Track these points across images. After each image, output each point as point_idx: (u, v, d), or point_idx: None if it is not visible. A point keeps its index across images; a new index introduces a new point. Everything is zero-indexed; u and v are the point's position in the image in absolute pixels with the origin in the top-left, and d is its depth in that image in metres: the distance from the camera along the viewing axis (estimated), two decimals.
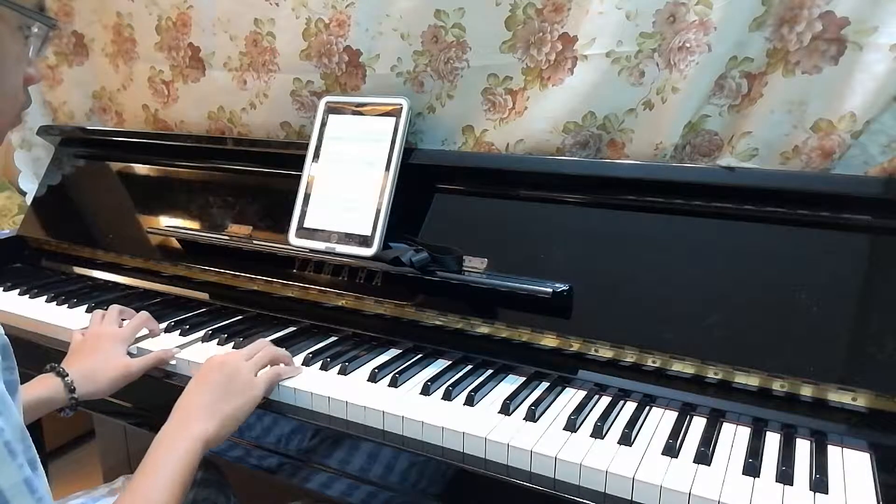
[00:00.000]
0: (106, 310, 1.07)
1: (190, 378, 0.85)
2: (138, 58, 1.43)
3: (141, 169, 1.41)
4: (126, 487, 0.69)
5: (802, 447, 0.77)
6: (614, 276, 0.93)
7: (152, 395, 0.98)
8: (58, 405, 0.89)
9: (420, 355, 0.99)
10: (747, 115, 0.94)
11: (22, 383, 0.59)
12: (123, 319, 1.06)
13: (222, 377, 0.83)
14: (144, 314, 1.06)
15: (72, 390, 0.89)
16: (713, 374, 0.85)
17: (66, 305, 1.21)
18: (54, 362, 0.92)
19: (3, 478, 0.49)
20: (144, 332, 1.06)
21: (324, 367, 0.95)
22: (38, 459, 0.54)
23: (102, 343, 0.97)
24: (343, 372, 0.93)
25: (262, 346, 0.93)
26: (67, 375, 0.89)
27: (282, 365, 0.92)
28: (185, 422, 0.77)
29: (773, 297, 0.84)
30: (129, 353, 0.99)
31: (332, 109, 1.14)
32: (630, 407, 0.85)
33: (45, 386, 0.88)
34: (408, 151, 1.08)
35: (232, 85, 1.31)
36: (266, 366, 0.90)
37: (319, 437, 0.85)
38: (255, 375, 0.87)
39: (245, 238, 1.19)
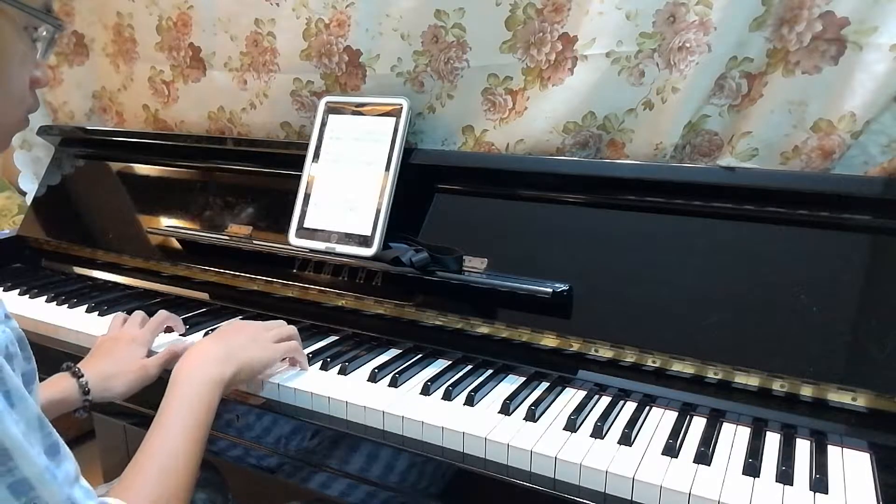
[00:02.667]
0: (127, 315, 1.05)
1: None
2: (139, 58, 1.43)
3: (141, 169, 1.41)
4: (144, 441, 0.69)
5: (802, 447, 0.77)
6: (614, 276, 0.93)
7: (153, 396, 0.97)
8: (72, 406, 0.88)
9: (420, 355, 0.99)
10: (747, 115, 0.94)
11: None
12: None
13: (242, 336, 0.86)
14: (164, 313, 1.03)
15: (86, 392, 0.87)
16: (713, 374, 0.85)
17: (66, 305, 1.21)
18: (71, 362, 0.90)
19: (28, 468, 0.50)
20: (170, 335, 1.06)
21: (324, 367, 0.95)
22: (61, 442, 0.55)
23: (121, 345, 0.95)
24: (343, 372, 0.93)
25: (281, 324, 0.94)
26: (83, 376, 0.88)
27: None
28: (201, 367, 0.78)
29: (773, 297, 0.84)
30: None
31: (332, 109, 1.14)
32: (630, 407, 0.85)
33: (59, 387, 0.87)
34: (408, 151, 1.08)
35: (232, 85, 1.31)
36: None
37: (319, 437, 0.85)
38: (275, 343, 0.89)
39: (245, 238, 1.19)
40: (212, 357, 0.80)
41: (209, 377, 0.76)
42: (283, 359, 0.93)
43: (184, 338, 1.05)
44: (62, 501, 0.52)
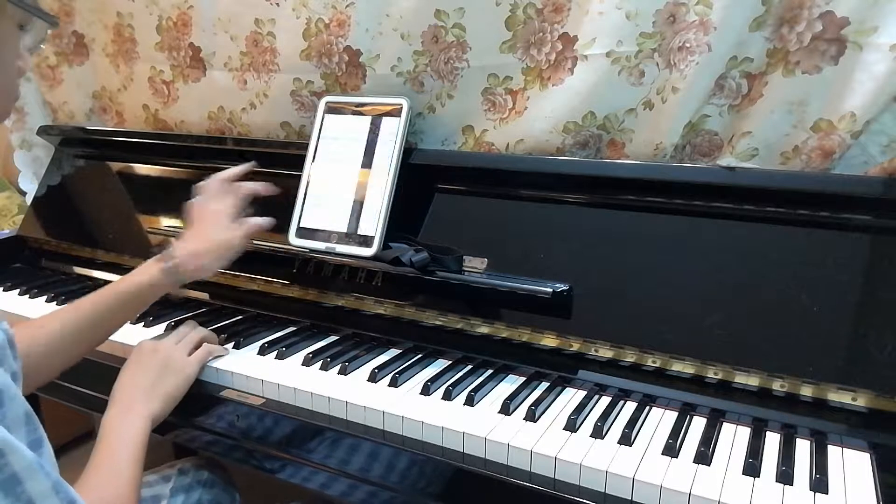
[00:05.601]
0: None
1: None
2: (139, 58, 1.43)
3: (141, 169, 1.41)
4: (83, 479, 0.71)
5: (802, 447, 0.77)
6: (614, 276, 0.93)
7: None
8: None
9: (420, 355, 0.99)
10: (747, 115, 0.94)
11: None
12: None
13: (157, 361, 0.89)
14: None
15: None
16: (713, 374, 0.85)
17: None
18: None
19: (18, 463, 0.52)
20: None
21: (324, 367, 0.95)
22: (45, 438, 0.57)
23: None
24: (343, 372, 0.93)
25: (190, 330, 0.99)
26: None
27: (211, 345, 0.98)
28: (131, 406, 0.82)
29: (773, 297, 0.84)
30: None
31: (332, 109, 1.14)
32: (630, 407, 0.85)
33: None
34: (408, 151, 1.08)
35: (232, 85, 1.31)
36: (196, 347, 0.96)
37: (319, 437, 0.85)
38: (188, 356, 0.93)
39: None
40: (141, 392, 0.85)
41: (144, 414, 0.82)
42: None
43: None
44: (48, 490, 0.54)
